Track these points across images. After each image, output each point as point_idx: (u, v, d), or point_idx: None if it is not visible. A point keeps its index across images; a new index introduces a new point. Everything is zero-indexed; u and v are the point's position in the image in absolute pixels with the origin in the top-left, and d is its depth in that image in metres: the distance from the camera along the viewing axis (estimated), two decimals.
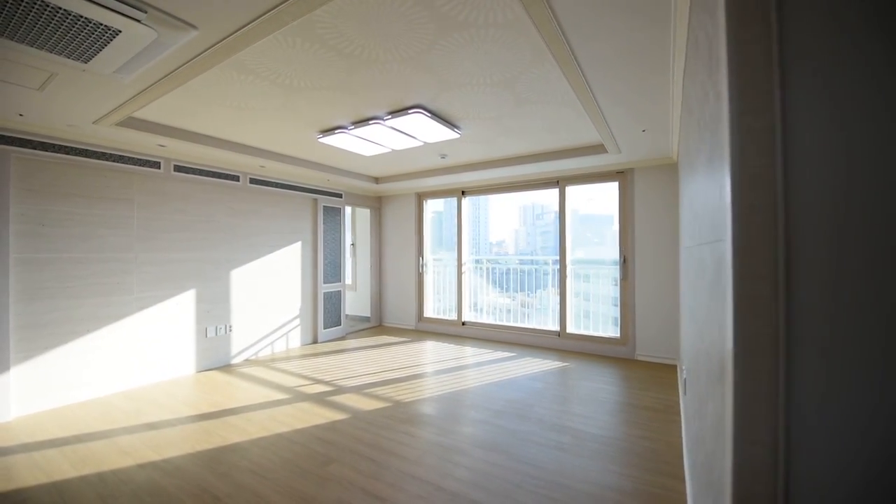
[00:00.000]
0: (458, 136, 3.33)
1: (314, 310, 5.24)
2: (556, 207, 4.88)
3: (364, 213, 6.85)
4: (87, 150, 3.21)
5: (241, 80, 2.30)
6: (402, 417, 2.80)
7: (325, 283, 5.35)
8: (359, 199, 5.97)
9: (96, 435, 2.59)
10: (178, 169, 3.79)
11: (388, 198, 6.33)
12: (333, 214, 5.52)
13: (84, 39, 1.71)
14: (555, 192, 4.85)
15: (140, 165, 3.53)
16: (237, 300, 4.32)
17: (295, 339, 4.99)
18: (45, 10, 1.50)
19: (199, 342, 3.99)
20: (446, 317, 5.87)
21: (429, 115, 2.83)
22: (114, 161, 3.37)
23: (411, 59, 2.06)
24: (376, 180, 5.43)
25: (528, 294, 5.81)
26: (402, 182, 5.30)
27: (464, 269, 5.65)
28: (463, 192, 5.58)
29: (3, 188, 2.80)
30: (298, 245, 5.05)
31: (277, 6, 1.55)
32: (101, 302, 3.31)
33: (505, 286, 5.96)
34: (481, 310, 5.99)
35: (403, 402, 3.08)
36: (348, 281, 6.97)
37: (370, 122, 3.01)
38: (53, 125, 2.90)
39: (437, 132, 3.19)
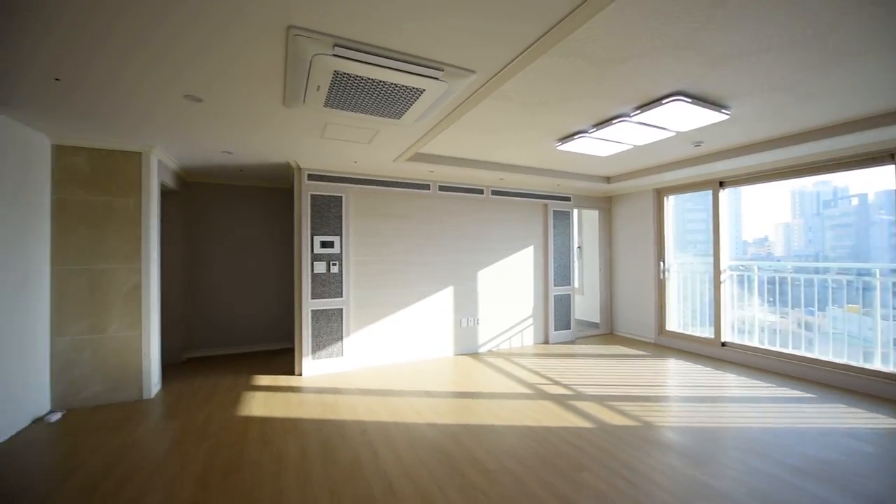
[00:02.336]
0: (725, 117, 2.77)
1: (545, 311, 5.42)
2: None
3: (591, 215, 6.61)
4: (383, 181, 4.36)
5: (498, 106, 2.61)
6: (656, 442, 2.54)
7: (555, 285, 5.45)
8: (587, 201, 5.80)
9: (396, 392, 3.46)
10: (441, 189, 4.66)
11: (620, 197, 5.88)
12: (562, 218, 5.57)
13: (400, 102, 2.32)
14: (886, 169, 3.36)
15: (416, 188, 4.53)
16: (482, 297, 4.95)
17: (528, 338, 5.30)
18: (379, 87, 2.11)
19: (456, 330, 4.78)
20: (696, 333, 4.97)
21: (689, 100, 2.47)
22: (399, 187, 4.44)
23: (675, 43, 1.84)
24: (607, 180, 5.15)
25: (808, 311, 4.21)
26: (638, 179, 4.83)
27: (722, 276, 4.64)
28: (721, 184, 4.60)
29: (346, 212, 4.13)
30: (531, 249, 5.34)
31: (549, 31, 1.67)
32: (391, 292, 4.42)
33: (772, 299, 4.49)
34: (744, 329, 4.76)
35: (654, 425, 2.78)
36: (576, 284, 6.88)
37: (613, 121, 2.88)
38: (370, 165, 4.07)
39: (696, 118, 2.75)
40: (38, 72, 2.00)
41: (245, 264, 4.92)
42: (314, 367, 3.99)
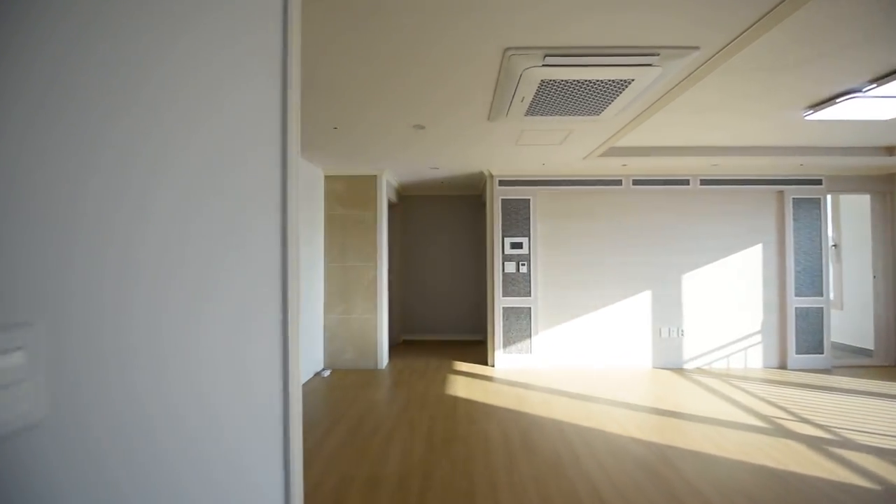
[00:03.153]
0: None
1: (781, 328, 4.29)
2: None
3: (855, 203, 4.87)
4: (571, 180, 4.27)
5: (718, 82, 2.23)
6: None
7: (796, 296, 4.25)
8: (850, 183, 4.31)
9: (591, 398, 3.36)
10: (635, 183, 4.27)
11: None
12: (807, 207, 4.30)
13: (602, 98, 2.25)
14: None
15: (604, 185, 4.28)
16: (688, 305, 4.29)
17: (755, 359, 4.30)
18: (582, 87, 2.09)
19: (655, 340, 4.29)
20: None
21: None
22: (588, 185, 4.28)
23: None
24: (889, 151, 3.70)
25: None
26: None
27: None
28: None
29: (534, 214, 4.25)
30: (758, 248, 4.32)
31: None
32: (581, 294, 4.29)
33: None
34: None
35: None
36: (831, 296, 5.19)
37: None
38: (558, 166, 4.06)
39: None
40: (322, 124, 2.80)
41: (445, 263, 5.63)
42: (505, 360, 4.24)
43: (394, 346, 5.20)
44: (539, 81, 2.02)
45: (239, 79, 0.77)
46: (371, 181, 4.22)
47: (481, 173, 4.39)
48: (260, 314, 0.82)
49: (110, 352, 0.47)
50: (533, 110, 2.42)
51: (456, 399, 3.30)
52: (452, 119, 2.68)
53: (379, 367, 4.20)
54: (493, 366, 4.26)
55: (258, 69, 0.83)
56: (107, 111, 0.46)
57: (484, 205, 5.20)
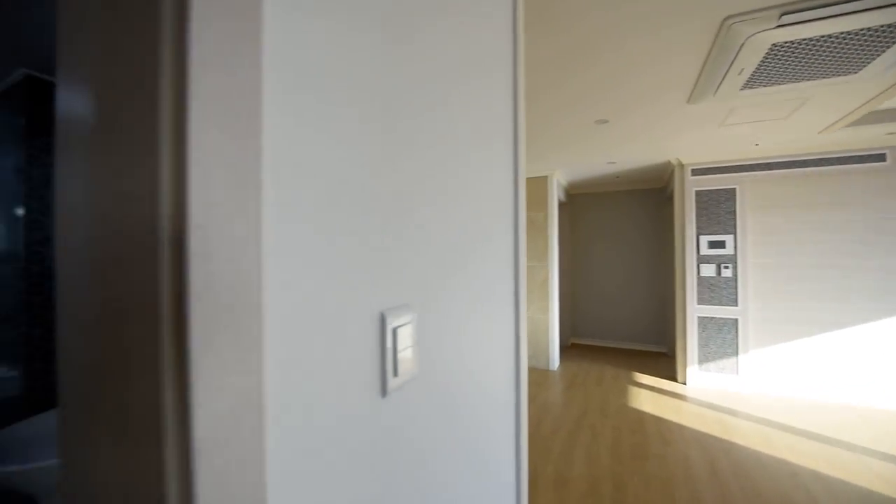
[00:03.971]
0: None
1: None
2: None
3: None
4: (797, 160, 3.36)
5: None
6: None
7: None
8: None
9: (832, 441, 2.59)
10: None
11: None
12: None
13: (864, 52, 1.71)
14: None
15: (857, 163, 3.22)
16: None
17: None
18: (832, 43, 1.63)
19: None
20: None
21: None
22: (823, 165, 3.29)
23: None
24: None
25: None
26: None
27: None
28: None
29: (741, 206, 3.52)
30: None
31: None
32: (810, 306, 3.33)
33: None
34: None
35: None
36: None
37: None
38: (778, 145, 3.26)
39: None
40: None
41: (618, 264, 5.20)
42: (700, 379, 3.65)
43: (563, 349, 5.08)
44: (768, 47, 1.67)
45: (493, 128, 0.91)
46: (542, 182, 4.23)
47: (667, 163, 3.89)
48: (502, 305, 0.95)
49: (444, 328, 0.64)
50: (754, 82, 2.02)
51: (642, 413, 3.01)
52: (641, 108, 2.46)
53: (550, 368, 4.18)
54: (683, 383, 3.72)
55: (503, 116, 0.96)
56: (426, 148, 0.64)
57: (669, 199, 4.59)
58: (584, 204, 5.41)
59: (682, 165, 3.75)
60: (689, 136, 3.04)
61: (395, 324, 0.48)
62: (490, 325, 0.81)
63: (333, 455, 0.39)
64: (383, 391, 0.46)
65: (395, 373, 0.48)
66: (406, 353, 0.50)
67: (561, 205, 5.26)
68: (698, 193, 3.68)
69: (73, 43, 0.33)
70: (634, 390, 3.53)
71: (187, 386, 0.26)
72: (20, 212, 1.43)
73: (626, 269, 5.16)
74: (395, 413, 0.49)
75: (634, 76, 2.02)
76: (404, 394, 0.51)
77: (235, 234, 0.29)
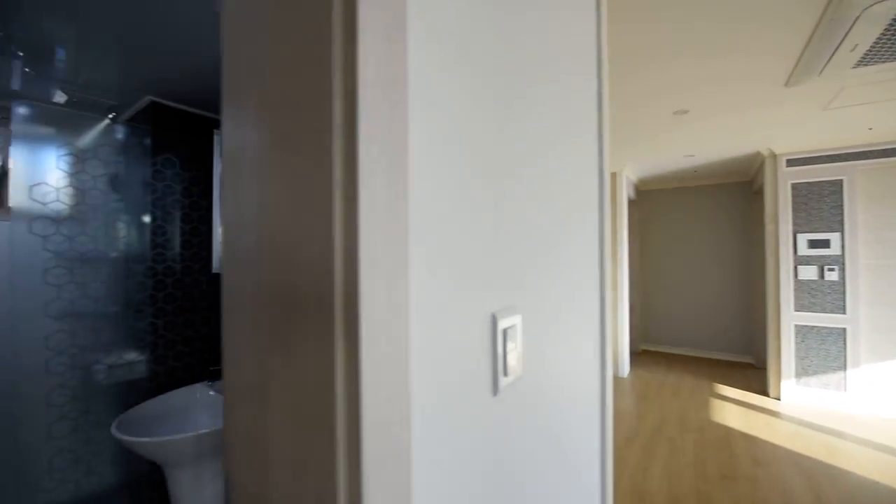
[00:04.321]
0: None
1: None
2: None
3: None
4: None
5: None
6: None
7: None
8: None
9: None
10: None
11: None
12: None
13: None
14: None
15: None
16: None
17: None
18: None
19: None
20: None
21: None
22: None
23: None
24: None
25: None
26: None
27: None
28: None
29: (849, 200, 3.08)
30: None
31: None
32: None
33: None
34: None
35: None
36: None
37: None
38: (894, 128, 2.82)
39: None
40: None
41: (695, 265, 4.81)
42: (798, 394, 3.25)
43: (633, 355, 4.80)
44: (890, 19, 1.46)
45: (580, 123, 0.90)
46: (611, 179, 4.03)
47: (756, 154, 3.52)
48: (589, 308, 0.94)
49: (542, 330, 0.65)
50: (869, 59, 1.77)
51: (728, 429, 2.75)
52: (728, 95, 2.26)
53: (620, 374, 3.97)
54: (777, 398, 3.34)
55: (588, 110, 0.94)
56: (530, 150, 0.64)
57: (756, 193, 4.16)
58: (656, 201, 5.06)
59: (774, 156, 3.37)
60: (785, 122, 2.72)
61: (505, 325, 0.49)
62: (579, 327, 0.80)
63: (455, 444, 0.41)
64: (494, 390, 0.48)
65: (505, 372, 0.49)
66: (513, 353, 0.51)
67: (630, 202, 4.98)
68: (795, 186, 3.28)
69: (237, 85, 0.39)
70: (717, 403, 3.24)
71: (358, 384, 0.30)
72: (146, 219, 1.67)
73: (704, 271, 4.75)
74: (503, 412, 0.50)
75: (722, 60, 1.86)
76: (511, 394, 0.52)
77: (386, 251, 0.33)
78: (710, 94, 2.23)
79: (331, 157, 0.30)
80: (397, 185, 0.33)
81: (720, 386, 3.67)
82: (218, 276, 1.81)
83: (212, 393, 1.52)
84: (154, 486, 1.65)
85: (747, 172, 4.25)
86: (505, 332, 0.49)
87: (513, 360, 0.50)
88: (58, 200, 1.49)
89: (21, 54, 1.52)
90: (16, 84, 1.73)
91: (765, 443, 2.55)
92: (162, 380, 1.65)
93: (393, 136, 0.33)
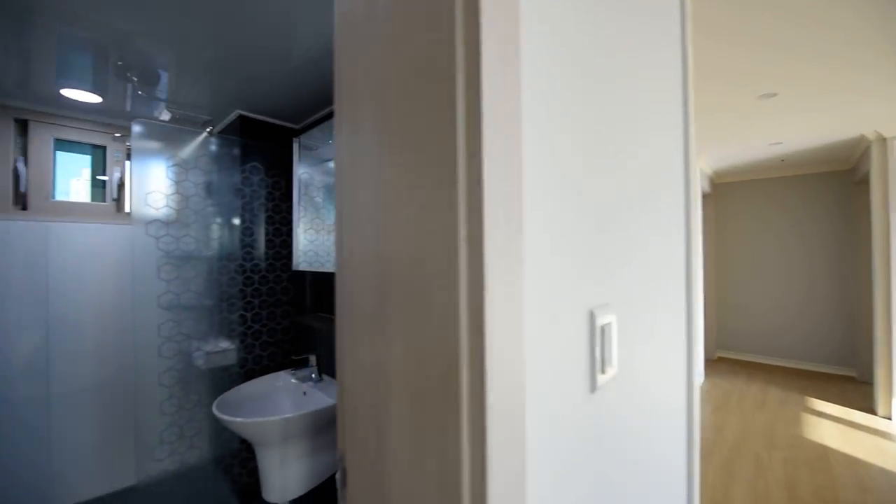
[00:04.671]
0: None
1: None
2: None
3: None
4: None
5: None
6: None
7: None
8: None
9: None
10: None
11: None
12: None
13: None
14: None
15: None
16: None
17: None
18: None
19: None
20: None
21: None
22: None
23: None
24: None
25: None
26: None
27: None
28: None
29: None
30: None
31: None
32: None
33: None
34: None
35: None
36: None
37: None
38: None
39: None
40: None
41: (781, 264, 4.34)
42: None
43: (708, 362, 4.44)
44: None
45: (667, 110, 0.85)
46: None
47: (860, 138, 3.09)
48: (676, 308, 0.89)
49: (635, 329, 0.64)
50: None
51: (825, 449, 2.46)
52: (826, 71, 2.01)
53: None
54: (887, 417, 2.91)
55: (673, 104, 0.89)
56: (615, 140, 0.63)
57: (860, 183, 3.66)
58: (734, 194, 4.64)
59: (882, 140, 2.95)
60: None
61: (602, 321, 0.48)
62: (666, 329, 0.76)
63: (553, 438, 0.41)
64: (592, 387, 0.47)
65: (603, 370, 0.48)
66: (610, 351, 0.50)
67: (704, 196, 4.61)
68: None
69: (348, 100, 0.42)
70: (811, 419, 2.90)
71: (483, 373, 0.31)
72: (236, 221, 1.85)
73: (791, 272, 4.27)
74: (598, 410, 0.49)
75: (820, 31, 1.66)
76: (607, 392, 0.51)
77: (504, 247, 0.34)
78: (804, 72, 1.99)
79: (455, 170, 0.32)
80: (514, 183, 0.34)
81: (813, 400, 3.28)
82: (297, 272, 1.96)
83: (294, 381, 1.65)
84: (244, 462, 1.82)
85: (847, 160, 3.75)
86: (602, 328, 0.48)
87: (610, 357, 0.50)
88: (167, 206, 1.70)
89: (134, 79, 1.75)
90: (130, 105, 2.00)
91: (872, 466, 2.25)
92: (249, 367, 1.82)
93: (509, 146, 0.34)
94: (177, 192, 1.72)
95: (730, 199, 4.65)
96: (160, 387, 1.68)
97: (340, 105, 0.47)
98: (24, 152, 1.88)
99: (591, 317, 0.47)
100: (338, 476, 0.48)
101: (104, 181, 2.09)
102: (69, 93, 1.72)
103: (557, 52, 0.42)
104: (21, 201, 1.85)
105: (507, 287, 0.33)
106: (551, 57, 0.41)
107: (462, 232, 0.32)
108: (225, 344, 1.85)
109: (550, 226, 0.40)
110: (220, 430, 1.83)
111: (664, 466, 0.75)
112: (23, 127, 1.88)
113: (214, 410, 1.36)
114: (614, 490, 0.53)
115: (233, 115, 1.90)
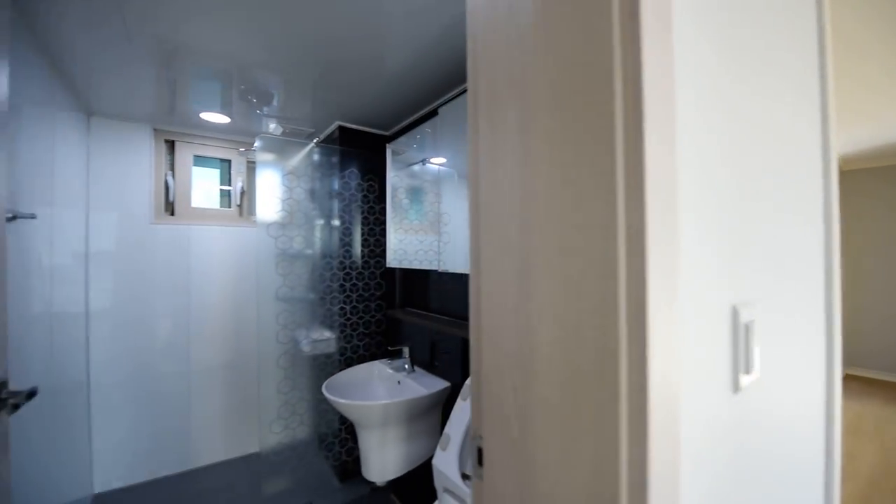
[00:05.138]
0: None
1: None
2: None
3: None
4: None
5: None
6: None
7: None
8: None
9: None
10: None
11: None
12: None
13: None
14: None
15: None
16: None
17: None
18: None
19: None
20: None
21: None
22: None
23: None
24: None
25: None
26: None
27: None
28: None
29: None
30: None
31: None
32: None
33: None
34: None
35: None
36: None
37: None
38: None
39: None
40: None
41: None
42: None
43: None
44: None
45: (803, 83, 0.77)
46: None
47: None
48: (815, 310, 0.80)
49: (776, 329, 0.60)
50: None
51: None
52: None
53: None
54: None
55: (808, 76, 0.80)
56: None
57: None
58: (865, 182, 3.94)
59: None
60: None
61: (746, 319, 0.47)
62: (805, 334, 0.70)
63: (695, 435, 0.41)
64: (735, 387, 0.46)
65: (747, 370, 0.47)
66: (753, 351, 0.48)
67: None
68: None
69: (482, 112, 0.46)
70: None
71: (645, 366, 0.33)
72: (336, 223, 2.04)
73: None
74: (740, 413, 0.47)
75: None
76: (750, 394, 0.49)
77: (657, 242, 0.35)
78: None
79: (614, 164, 0.34)
80: (669, 176, 0.35)
81: None
82: (388, 269, 2.10)
83: (389, 371, 1.77)
84: (342, 442, 2.00)
85: None
86: (746, 326, 0.46)
87: (752, 358, 0.48)
88: (282, 210, 1.93)
89: (254, 100, 2.01)
90: (250, 123, 2.30)
91: None
92: (348, 355, 1.99)
93: (665, 139, 0.35)
94: (290, 198, 1.95)
95: (860, 187, 3.96)
96: (277, 369, 1.91)
97: (476, 105, 0.51)
98: (172, 167, 2.26)
99: (735, 313, 0.46)
100: (472, 454, 0.52)
101: (229, 190, 2.43)
102: (206, 115, 2.04)
103: (706, 45, 0.41)
104: (170, 208, 2.23)
105: (665, 279, 0.34)
106: (706, 57, 0.41)
107: (621, 222, 0.34)
108: (327, 333, 2.05)
109: (698, 220, 0.40)
110: (323, 411, 2.03)
111: (802, 482, 0.68)
112: (171, 146, 2.27)
113: (324, 391, 1.52)
114: (753, 497, 0.51)
115: (333, 126, 2.10)
